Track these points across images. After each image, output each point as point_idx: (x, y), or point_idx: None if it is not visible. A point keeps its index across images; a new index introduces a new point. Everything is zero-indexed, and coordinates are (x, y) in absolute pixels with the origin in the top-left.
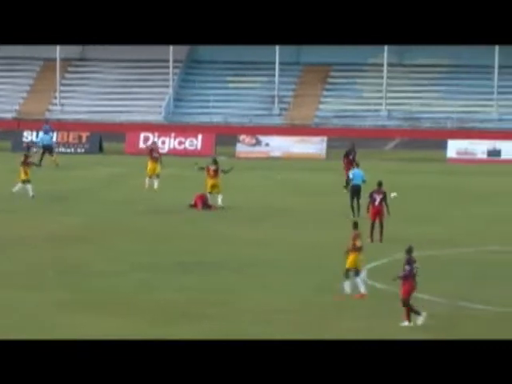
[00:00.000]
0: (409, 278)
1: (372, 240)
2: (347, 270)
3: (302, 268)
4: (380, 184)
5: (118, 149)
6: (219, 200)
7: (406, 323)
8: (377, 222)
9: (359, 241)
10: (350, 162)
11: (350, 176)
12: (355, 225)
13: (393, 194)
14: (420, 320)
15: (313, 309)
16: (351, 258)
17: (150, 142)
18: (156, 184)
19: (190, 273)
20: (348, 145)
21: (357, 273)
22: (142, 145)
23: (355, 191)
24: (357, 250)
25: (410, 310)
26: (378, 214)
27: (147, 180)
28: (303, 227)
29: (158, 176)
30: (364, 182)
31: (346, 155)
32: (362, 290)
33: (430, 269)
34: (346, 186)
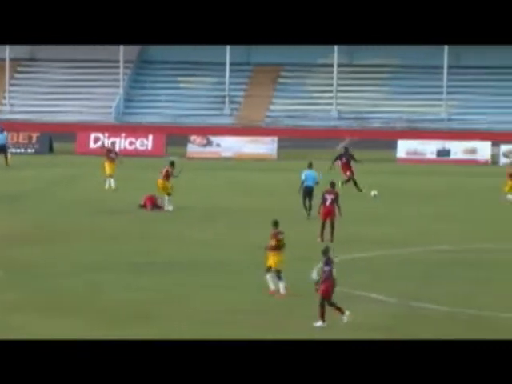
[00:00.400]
0: (327, 278)
1: (322, 240)
2: (268, 268)
3: (254, 268)
4: (332, 185)
5: (68, 149)
6: (166, 202)
7: (320, 323)
8: (328, 222)
9: (274, 240)
10: (347, 165)
11: (303, 177)
12: (275, 223)
13: (373, 192)
14: (345, 319)
15: (265, 308)
16: (270, 257)
17: (106, 143)
18: (113, 184)
19: (142, 273)
20: (342, 148)
21: (278, 272)
22: (92, 145)
23: (307, 192)
24: (275, 248)
25: (334, 310)
26: (328, 214)
27: (107, 180)
28: (254, 227)
29: (112, 176)
30: (317, 183)
31: (339, 158)
32: (282, 290)
33: (381, 268)
34: (343, 184)
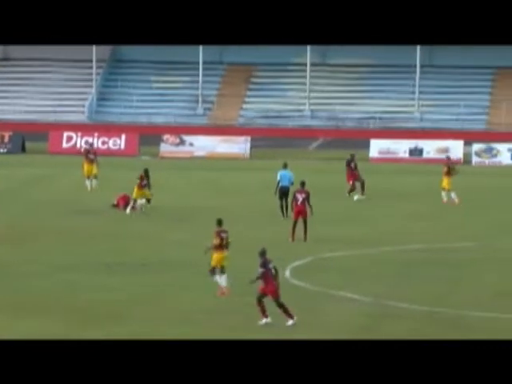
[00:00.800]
0: (269, 280)
1: (293, 239)
2: (212, 269)
3: (226, 268)
4: (303, 184)
5: (40, 148)
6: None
7: (264, 320)
8: (300, 221)
9: (217, 239)
10: (352, 172)
11: (278, 178)
12: (219, 222)
13: (356, 197)
14: (290, 322)
15: (238, 308)
16: (215, 256)
17: (85, 145)
18: (94, 184)
19: (115, 273)
20: (350, 155)
21: (222, 271)
22: (65, 144)
23: (283, 193)
24: (218, 247)
25: (284, 311)
26: (300, 213)
27: (87, 181)
28: (227, 227)
29: (95, 177)
30: (292, 183)
31: (348, 164)
32: (224, 286)
33: (355, 268)
34: (349, 194)
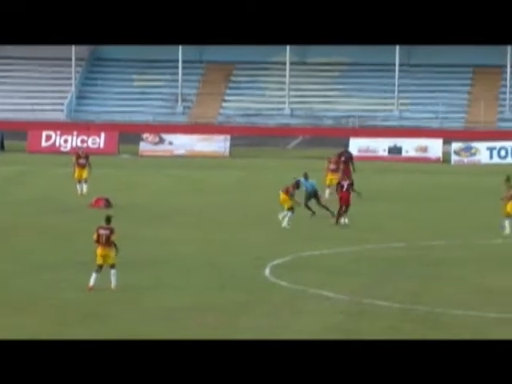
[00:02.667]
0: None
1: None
2: (99, 267)
3: (204, 266)
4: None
5: (19, 147)
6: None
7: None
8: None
9: (95, 234)
10: (347, 166)
11: (303, 188)
12: (107, 219)
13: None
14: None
15: (215, 307)
16: (98, 252)
17: (77, 149)
18: (84, 189)
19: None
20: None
21: (111, 267)
22: (44, 143)
23: (309, 195)
24: (97, 243)
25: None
26: (344, 199)
27: (77, 186)
28: (206, 225)
29: (85, 181)
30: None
31: (338, 157)
32: (92, 283)
33: (334, 266)
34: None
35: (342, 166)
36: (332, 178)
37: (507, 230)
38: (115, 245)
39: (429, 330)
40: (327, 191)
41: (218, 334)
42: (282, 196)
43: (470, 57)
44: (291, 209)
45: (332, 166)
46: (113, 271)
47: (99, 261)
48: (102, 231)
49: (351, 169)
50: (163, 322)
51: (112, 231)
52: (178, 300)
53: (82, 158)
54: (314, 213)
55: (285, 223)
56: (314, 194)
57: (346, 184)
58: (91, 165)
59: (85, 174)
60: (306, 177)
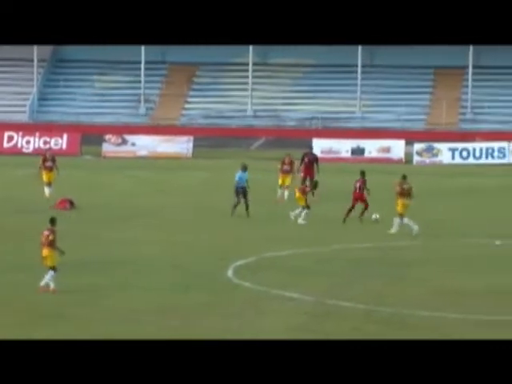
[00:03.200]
0: None
1: (345, 221)
2: (52, 267)
3: (167, 268)
4: (363, 173)
5: None
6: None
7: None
8: (358, 206)
9: (44, 237)
10: (308, 166)
11: (236, 178)
12: (52, 221)
13: (374, 216)
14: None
15: (178, 308)
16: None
17: (44, 151)
18: (48, 192)
19: (58, 274)
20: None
21: (53, 269)
22: (6, 144)
23: (238, 191)
24: (49, 245)
25: None
26: (358, 199)
27: (46, 189)
28: (169, 227)
29: (50, 184)
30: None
31: (301, 158)
32: (52, 285)
33: (298, 267)
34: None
35: (302, 167)
36: (285, 179)
37: (394, 229)
38: (57, 247)
39: (393, 332)
40: (279, 192)
41: (182, 335)
42: (298, 194)
43: (432, 58)
44: (307, 207)
45: (285, 167)
46: (50, 273)
47: (53, 263)
48: (45, 233)
49: (315, 170)
50: (126, 323)
51: (52, 232)
52: (142, 301)
53: (49, 160)
54: (236, 206)
55: (300, 220)
56: (242, 188)
57: (357, 185)
58: (58, 167)
59: (51, 176)
60: (243, 169)
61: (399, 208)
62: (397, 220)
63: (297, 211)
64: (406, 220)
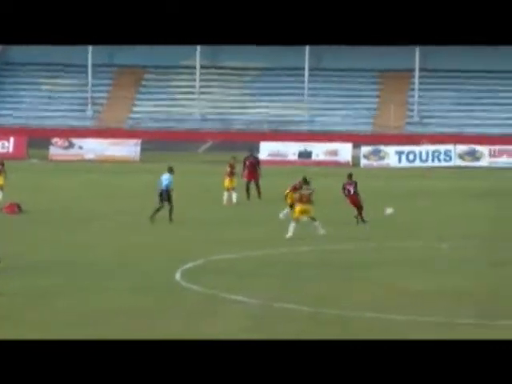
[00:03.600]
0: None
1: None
2: None
3: (121, 270)
4: (350, 176)
5: None
6: None
7: None
8: (354, 209)
9: None
10: (251, 170)
11: (158, 180)
12: None
13: (388, 210)
14: None
15: (127, 311)
16: None
17: None
18: (0, 196)
19: (9, 277)
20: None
21: None
22: None
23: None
24: None
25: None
26: (354, 202)
27: None
28: (116, 230)
29: (1, 188)
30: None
31: (243, 161)
32: None
33: (246, 270)
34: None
35: (245, 172)
36: (230, 182)
37: (290, 234)
38: None
39: (339, 334)
40: (226, 194)
41: (130, 336)
42: (290, 195)
43: (379, 61)
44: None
45: (230, 170)
46: None
47: None
48: None
49: (258, 173)
50: (75, 326)
51: None
52: (91, 303)
53: None
54: (157, 210)
55: (281, 215)
56: (166, 191)
57: (351, 188)
58: (7, 171)
59: (1, 180)
60: (169, 171)
61: (297, 213)
62: (292, 224)
63: (285, 211)
64: (316, 223)
